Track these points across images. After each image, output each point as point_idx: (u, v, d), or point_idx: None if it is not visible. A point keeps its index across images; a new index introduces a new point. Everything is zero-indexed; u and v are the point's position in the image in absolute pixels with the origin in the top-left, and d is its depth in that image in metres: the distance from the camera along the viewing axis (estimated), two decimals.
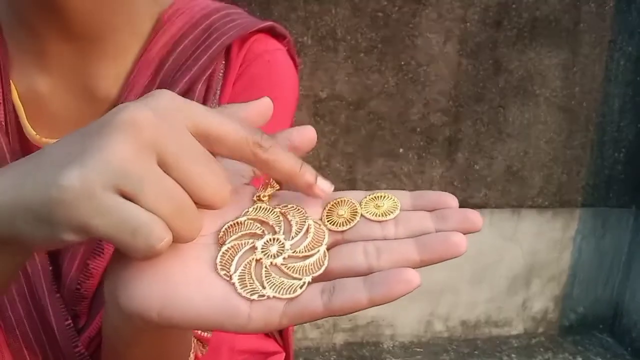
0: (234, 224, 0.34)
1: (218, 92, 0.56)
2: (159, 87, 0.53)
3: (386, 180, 1.80)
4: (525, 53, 1.81)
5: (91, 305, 0.57)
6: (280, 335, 0.73)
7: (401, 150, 1.80)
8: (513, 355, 2.00)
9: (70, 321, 0.56)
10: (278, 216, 0.35)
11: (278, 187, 0.36)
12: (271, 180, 0.36)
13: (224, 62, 0.57)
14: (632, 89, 1.93)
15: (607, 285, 2.13)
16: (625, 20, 1.86)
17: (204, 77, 0.55)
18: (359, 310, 0.30)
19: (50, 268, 0.55)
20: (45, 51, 0.53)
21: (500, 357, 1.99)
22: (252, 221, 0.34)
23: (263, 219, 0.34)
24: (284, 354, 0.74)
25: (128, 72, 0.56)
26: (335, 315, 0.30)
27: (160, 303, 0.31)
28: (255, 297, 0.31)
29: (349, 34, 1.68)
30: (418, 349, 2.00)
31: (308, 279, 0.32)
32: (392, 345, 2.01)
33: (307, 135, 0.37)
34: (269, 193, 0.36)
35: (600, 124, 1.94)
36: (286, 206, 0.35)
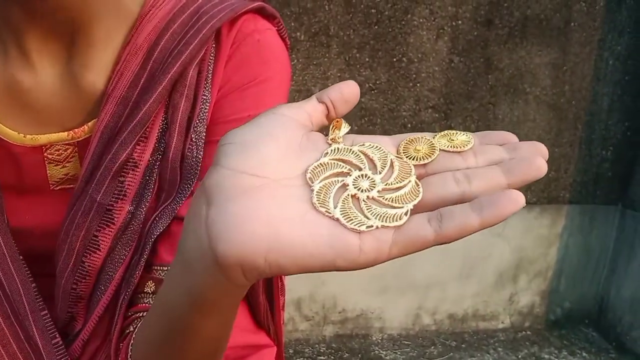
0: (319, 164, 0.33)
1: (210, 75, 0.55)
2: (150, 74, 0.53)
3: None
4: (516, 51, 1.82)
5: (88, 306, 0.56)
6: (274, 325, 0.73)
7: None
8: (500, 349, 2.03)
9: (58, 339, 0.55)
10: (358, 154, 0.34)
11: (349, 128, 0.36)
12: (342, 120, 0.36)
13: (214, 44, 0.56)
14: (621, 88, 1.95)
15: (593, 281, 2.16)
16: (615, 20, 1.88)
17: (196, 62, 0.54)
18: (468, 234, 0.30)
19: (34, 285, 0.54)
20: (28, 45, 0.51)
21: (487, 350, 2.02)
22: (335, 161, 0.34)
23: (345, 159, 0.34)
24: (275, 348, 0.73)
25: (114, 61, 0.54)
26: (445, 242, 0.30)
27: (266, 246, 0.30)
28: (363, 228, 0.30)
29: (341, 30, 1.69)
30: (406, 342, 2.02)
31: (410, 206, 0.31)
32: (380, 337, 2.03)
33: (354, 87, 0.37)
34: (343, 134, 0.36)
35: (588, 123, 1.96)
36: (363, 145, 0.35)
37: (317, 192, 0.32)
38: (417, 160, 0.34)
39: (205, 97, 0.55)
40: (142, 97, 0.53)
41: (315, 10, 1.65)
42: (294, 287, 1.90)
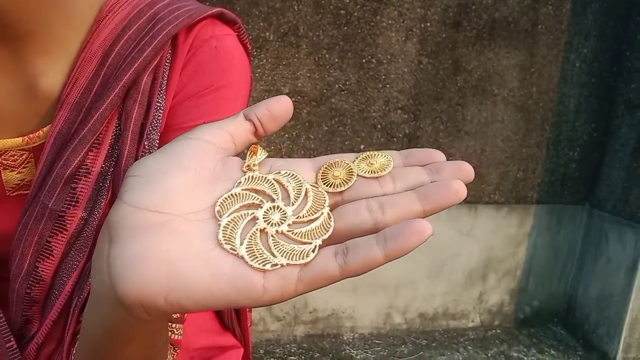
0: (229, 196, 0.32)
1: (165, 82, 0.54)
2: (104, 80, 0.52)
3: None
4: (484, 53, 1.85)
5: (43, 310, 0.55)
6: (240, 327, 0.73)
7: (362, 146, 1.83)
8: (469, 347, 2.05)
9: (12, 343, 0.54)
10: (273, 184, 0.33)
11: (266, 155, 0.35)
12: (258, 147, 0.35)
13: (170, 51, 0.55)
14: (587, 90, 1.99)
15: (561, 280, 2.20)
16: (581, 23, 1.91)
17: (150, 69, 0.53)
18: (374, 268, 0.29)
19: None
20: None
21: (457, 348, 2.04)
22: (247, 191, 0.32)
23: (258, 189, 0.33)
24: (242, 349, 0.73)
25: (70, 67, 0.53)
26: (351, 277, 0.29)
27: (166, 286, 0.29)
28: (268, 266, 0.29)
29: (311, 31, 1.70)
30: (377, 341, 2.04)
31: (318, 241, 0.30)
32: (352, 337, 2.04)
33: (284, 103, 0.35)
34: (258, 161, 0.34)
35: (556, 124, 1.99)
36: (279, 173, 0.34)
37: (224, 227, 0.30)
38: (334, 187, 0.33)
39: (159, 104, 0.54)
40: (94, 104, 0.52)
41: (285, 11, 1.66)
42: None
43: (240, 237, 0.30)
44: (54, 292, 0.54)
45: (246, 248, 0.30)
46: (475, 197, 1.97)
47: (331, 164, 0.34)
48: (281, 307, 1.95)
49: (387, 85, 1.80)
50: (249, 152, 0.35)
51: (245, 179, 0.33)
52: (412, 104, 1.83)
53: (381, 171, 0.33)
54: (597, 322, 2.04)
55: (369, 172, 0.33)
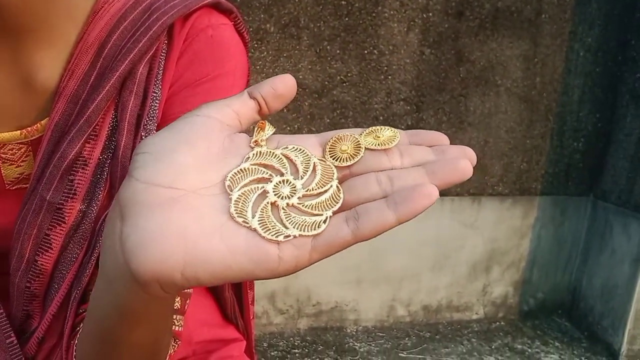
0: (239, 171, 0.32)
1: (160, 73, 0.54)
2: (100, 72, 0.52)
3: None
4: (487, 43, 1.83)
5: (43, 304, 0.55)
6: (242, 319, 0.73)
7: None
8: (473, 340, 2.05)
9: (12, 338, 0.54)
10: (281, 158, 0.34)
11: (274, 130, 0.35)
12: (266, 122, 0.35)
13: (166, 41, 0.55)
14: (592, 79, 1.97)
15: (566, 272, 2.19)
16: (585, 12, 1.89)
17: (146, 59, 0.53)
18: (386, 231, 0.29)
19: None
20: None
21: (461, 341, 2.04)
22: (256, 166, 0.33)
23: (267, 163, 0.33)
24: (244, 342, 0.74)
25: (67, 59, 0.53)
26: (364, 240, 0.30)
27: (182, 261, 0.29)
28: (281, 238, 0.30)
29: (312, 22, 1.68)
30: (381, 334, 2.03)
31: (329, 213, 0.31)
32: (355, 329, 2.04)
33: (288, 82, 0.35)
34: (266, 136, 0.35)
35: (560, 114, 1.97)
36: (286, 148, 0.34)
37: (235, 201, 0.31)
38: (342, 161, 0.33)
39: (155, 95, 0.54)
40: (91, 95, 0.52)
41: (285, 2, 1.64)
42: (267, 281, 1.90)
43: (252, 210, 0.31)
44: (54, 286, 0.54)
45: (258, 221, 0.30)
46: (479, 188, 1.96)
47: (338, 138, 0.34)
48: (284, 300, 1.95)
49: (389, 77, 1.79)
50: (256, 128, 0.35)
51: (254, 154, 0.33)
52: (415, 96, 1.82)
53: (389, 143, 0.33)
54: (602, 314, 2.03)
55: (377, 145, 0.33)
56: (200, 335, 0.67)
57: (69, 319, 0.52)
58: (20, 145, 0.55)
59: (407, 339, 2.02)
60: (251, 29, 1.64)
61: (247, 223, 0.30)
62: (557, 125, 1.98)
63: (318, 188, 0.32)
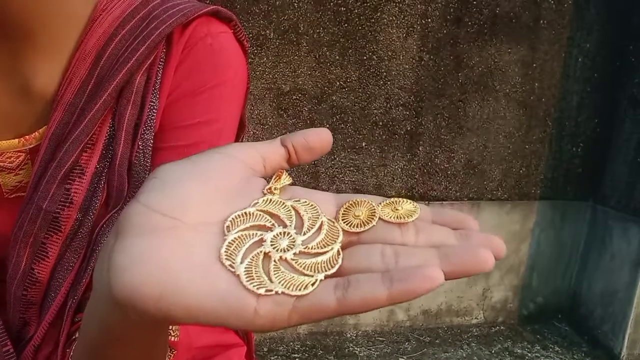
0: (242, 214, 0.31)
1: (158, 81, 0.54)
2: (97, 80, 0.52)
3: (349, 173, 1.83)
4: (486, 49, 1.84)
5: (40, 312, 0.55)
6: None
7: (364, 143, 1.82)
8: (473, 344, 2.05)
9: (9, 347, 0.54)
10: (289, 210, 0.32)
11: (290, 181, 0.34)
12: (284, 172, 0.34)
13: (164, 50, 0.54)
14: (590, 85, 1.97)
15: (565, 276, 2.19)
16: (583, 18, 1.90)
17: (144, 68, 0.53)
18: (374, 309, 0.27)
19: None
20: None
21: (461, 345, 2.04)
22: (261, 212, 0.32)
23: (273, 212, 0.32)
24: (244, 347, 0.73)
25: (65, 66, 0.53)
26: (348, 314, 0.27)
27: (158, 292, 0.28)
28: (262, 291, 0.28)
29: (311, 28, 1.69)
30: (381, 338, 2.03)
31: (321, 276, 0.29)
32: (355, 334, 2.04)
33: (324, 137, 0.35)
34: (281, 185, 0.34)
35: (558, 119, 1.98)
36: (298, 201, 0.33)
37: (228, 243, 0.30)
38: (353, 226, 0.32)
39: (152, 104, 0.53)
40: (88, 104, 0.52)
41: (285, 8, 1.65)
42: None
43: (242, 256, 0.29)
44: (50, 294, 0.54)
45: (245, 268, 0.29)
46: (478, 193, 1.97)
47: (354, 202, 0.33)
48: None
49: (388, 82, 1.79)
50: (274, 176, 0.35)
51: (263, 200, 0.32)
52: (414, 101, 1.83)
53: (407, 217, 0.31)
54: (602, 318, 2.03)
55: (392, 217, 0.32)
56: (200, 340, 0.67)
57: (65, 328, 0.52)
58: (19, 154, 0.55)
59: (407, 343, 2.02)
60: (251, 35, 1.65)
61: (233, 268, 0.29)
62: (556, 130, 1.98)
63: (318, 248, 0.31)
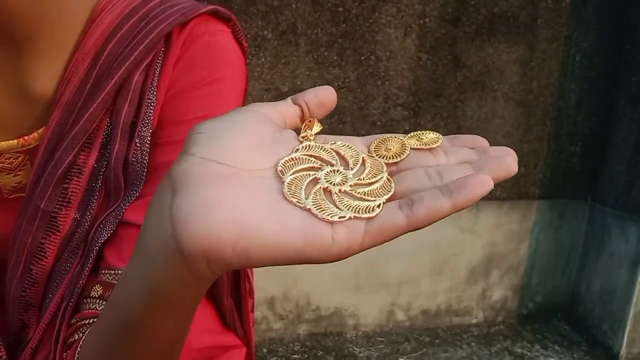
0: (290, 159, 0.33)
1: (156, 79, 0.54)
2: (96, 80, 0.52)
3: None
4: (484, 49, 1.84)
5: (39, 313, 0.55)
6: (242, 326, 0.73)
7: None
8: (473, 344, 2.05)
9: (2, 353, 0.54)
10: (330, 151, 0.34)
11: (321, 127, 0.36)
12: (314, 119, 0.36)
13: (163, 48, 0.55)
14: (588, 83, 1.98)
15: (564, 275, 2.19)
16: (580, 17, 1.90)
17: (142, 67, 0.53)
18: (440, 219, 0.29)
19: None
20: None
21: (461, 345, 2.04)
22: (306, 156, 0.34)
23: (317, 155, 0.34)
24: (244, 348, 0.73)
25: (64, 67, 0.53)
26: (418, 228, 0.30)
27: (235, 233, 0.29)
28: (335, 218, 0.30)
29: (309, 29, 1.69)
30: (380, 338, 2.03)
31: (383, 199, 0.31)
32: (355, 334, 2.04)
33: (331, 92, 0.37)
34: (315, 132, 0.36)
35: (557, 118, 1.98)
36: (334, 143, 0.35)
37: (288, 183, 0.31)
38: (388, 158, 0.34)
39: (150, 101, 0.54)
40: (86, 103, 0.52)
41: (283, 9, 1.65)
42: (266, 287, 1.90)
43: (305, 193, 0.31)
44: (48, 295, 0.54)
45: (312, 202, 0.31)
46: None
47: (383, 139, 0.36)
48: (284, 305, 1.95)
49: (387, 82, 1.79)
50: (304, 126, 0.36)
51: (303, 146, 0.34)
52: (412, 101, 1.83)
53: (432, 144, 0.35)
54: (601, 317, 2.03)
55: (420, 145, 0.35)
56: (200, 342, 0.67)
57: (61, 331, 0.51)
58: (18, 154, 0.55)
59: (406, 343, 2.02)
60: (249, 36, 1.65)
61: (301, 203, 0.30)
62: (554, 129, 1.99)
63: (369, 178, 0.33)
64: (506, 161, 0.32)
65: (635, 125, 1.90)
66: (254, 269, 0.76)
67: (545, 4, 1.85)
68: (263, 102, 0.37)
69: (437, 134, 0.35)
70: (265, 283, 1.87)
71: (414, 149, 0.35)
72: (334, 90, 0.37)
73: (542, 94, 1.94)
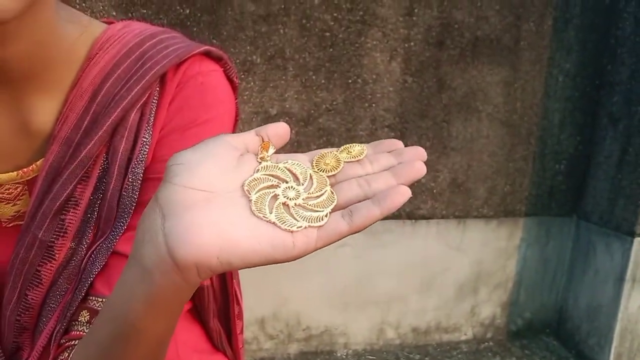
0: (254, 179, 0.40)
1: (152, 118, 0.57)
2: (93, 117, 0.55)
3: None
4: (468, 71, 1.88)
5: (33, 336, 0.57)
6: (231, 348, 0.75)
7: None
8: None
9: None
10: (284, 170, 0.42)
11: (274, 149, 0.44)
12: (269, 142, 0.44)
13: (158, 88, 0.57)
14: (571, 103, 2.02)
15: (552, 291, 2.21)
16: (562, 39, 1.95)
17: (138, 106, 0.56)
18: (373, 223, 0.38)
19: None
20: None
21: None
22: (266, 175, 0.41)
23: (273, 174, 0.41)
24: None
25: (62, 103, 0.56)
26: (357, 232, 0.39)
27: (218, 247, 0.36)
28: (294, 228, 0.38)
29: (297, 54, 1.73)
30: (370, 357, 2.05)
31: (328, 209, 0.40)
32: (345, 353, 2.05)
33: (286, 128, 0.44)
34: (270, 154, 0.43)
35: (541, 138, 2.02)
36: (286, 162, 0.43)
37: (254, 201, 0.39)
38: (327, 172, 0.43)
39: (145, 140, 0.56)
40: (84, 139, 0.55)
41: (271, 34, 1.69)
42: (257, 307, 1.92)
43: (268, 209, 0.39)
44: (42, 319, 0.57)
45: (275, 216, 0.39)
46: (464, 211, 2.00)
47: (322, 155, 0.44)
48: (274, 325, 1.97)
49: (373, 105, 1.83)
50: (260, 148, 0.44)
51: (262, 167, 0.42)
52: (399, 122, 1.86)
53: (359, 156, 0.43)
54: (588, 333, 2.05)
55: (350, 158, 0.43)
56: None
57: (52, 351, 0.54)
58: (17, 185, 0.57)
59: None
60: (238, 61, 1.68)
61: (267, 217, 0.38)
62: (539, 148, 2.02)
63: (316, 192, 0.41)
64: (416, 167, 0.41)
65: (617, 144, 1.94)
66: (242, 292, 0.79)
67: (527, 26, 1.90)
68: (251, 124, 0.44)
69: (362, 146, 0.44)
70: (255, 303, 1.89)
71: (346, 162, 0.43)
72: (286, 127, 0.44)
73: (526, 114, 1.98)
